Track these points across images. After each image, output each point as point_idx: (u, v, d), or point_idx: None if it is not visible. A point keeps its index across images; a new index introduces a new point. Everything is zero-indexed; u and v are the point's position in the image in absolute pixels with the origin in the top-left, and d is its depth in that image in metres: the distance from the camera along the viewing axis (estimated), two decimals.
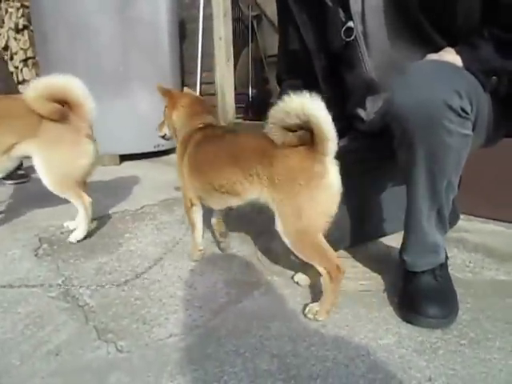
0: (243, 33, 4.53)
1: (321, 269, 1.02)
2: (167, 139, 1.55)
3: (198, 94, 3.57)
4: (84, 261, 1.38)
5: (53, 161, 1.46)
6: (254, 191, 1.09)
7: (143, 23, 2.95)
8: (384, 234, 1.45)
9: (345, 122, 1.34)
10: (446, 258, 1.09)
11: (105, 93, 2.90)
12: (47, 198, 1.74)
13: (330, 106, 1.34)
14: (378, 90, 1.18)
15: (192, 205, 1.33)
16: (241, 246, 1.50)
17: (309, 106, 0.93)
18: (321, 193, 1.01)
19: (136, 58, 2.94)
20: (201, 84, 3.62)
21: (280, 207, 1.04)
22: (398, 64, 1.00)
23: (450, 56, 0.90)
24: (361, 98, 1.25)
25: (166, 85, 3.33)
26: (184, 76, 3.65)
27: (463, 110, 0.83)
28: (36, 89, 1.44)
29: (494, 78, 0.90)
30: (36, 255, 1.41)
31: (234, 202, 1.21)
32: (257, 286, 1.20)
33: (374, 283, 1.20)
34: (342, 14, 1.08)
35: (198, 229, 1.38)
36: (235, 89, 3.78)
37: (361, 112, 1.25)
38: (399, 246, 1.10)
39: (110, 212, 1.90)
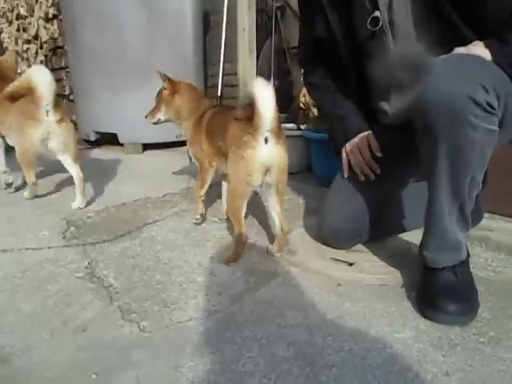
0: (266, 24, 4.50)
1: (235, 231, 1.29)
2: (158, 124, 1.70)
3: (220, 84, 3.61)
4: (108, 245, 1.43)
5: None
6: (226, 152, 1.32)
7: (168, 14, 2.97)
8: (404, 230, 1.45)
9: (367, 112, 1.34)
10: (468, 255, 1.07)
11: (129, 83, 2.96)
12: (73, 184, 1.81)
13: (351, 96, 1.34)
14: (402, 83, 1.16)
15: (211, 166, 1.52)
16: (259, 236, 1.52)
17: (255, 85, 1.12)
18: (243, 161, 1.19)
19: (160, 49, 2.98)
20: (223, 75, 3.64)
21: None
22: (425, 56, 0.99)
23: (479, 49, 0.88)
24: (385, 90, 1.23)
25: (188, 76, 3.36)
26: (207, 67, 3.67)
27: (489, 104, 0.81)
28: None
29: None
30: (64, 237, 1.48)
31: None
32: (274, 276, 1.22)
33: (392, 278, 1.20)
34: (368, 3, 1.07)
35: (205, 188, 1.60)
36: None
37: (384, 105, 1.24)
38: (419, 243, 1.09)
39: (132, 199, 1.95)
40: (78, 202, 1.82)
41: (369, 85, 1.28)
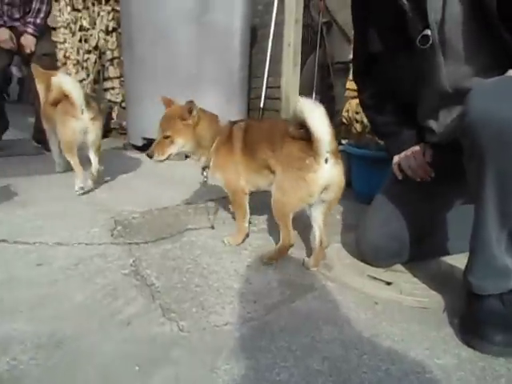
0: (311, 39, 4.55)
1: (282, 235, 1.35)
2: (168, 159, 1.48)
3: (263, 97, 3.69)
4: (151, 246, 1.50)
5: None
6: (274, 166, 1.33)
7: (218, 29, 3.10)
8: (448, 253, 1.40)
9: (414, 130, 1.32)
10: None
11: (177, 93, 3.08)
12: (120, 187, 1.92)
13: (401, 113, 1.33)
14: (452, 102, 1.14)
15: (245, 193, 1.49)
16: (296, 248, 1.53)
17: (305, 108, 1.16)
18: (305, 183, 1.23)
19: (209, 62, 3.11)
20: (266, 88, 3.72)
21: (276, 182, 1.32)
22: (475, 77, 0.97)
23: None
24: (433, 108, 1.22)
25: (234, 88, 3.46)
26: (251, 79, 3.77)
27: None
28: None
29: None
30: (112, 235, 1.57)
31: (270, 179, 1.40)
32: (310, 289, 1.23)
33: (433, 302, 1.16)
34: (419, 21, 1.07)
35: (247, 214, 1.54)
36: (300, 94, 3.82)
37: (432, 124, 1.22)
38: (463, 267, 1.05)
39: (174, 204, 2.03)
40: (79, 182, 2.12)
41: (418, 102, 1.27)
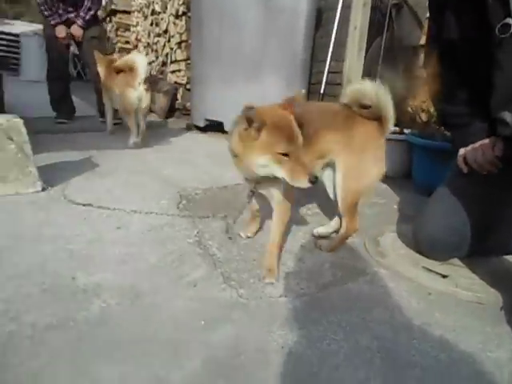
0: (378, 21, 4.35)
1: (347, 223, 1.36)
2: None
3: (324, 82, 3.64)
4: (213, 220, 1.62)
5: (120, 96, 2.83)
6: (336, 148, 1.31)
7: (284, 12, 3.10)
8: (510, 253, 1.34)
9: (486, 123, 1.26)
10: None
11: (241, 75, 3.19)
12: (184, 164, 2.06)
13: (474, 104, 1.27)
14: None
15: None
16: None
17: (380, 92, 1.24)
18: (380, 163, 1.30)
19: (273, 45, 3.13)
20: (328, 73, 3.66)
21: (345, 165, 1.30)
22: None
23: None
24: (508, 99, 1.16)
25: (296, 71, 3.45)
26: (313, 63, 3.73)
27: None
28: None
29: None
30: (178, 208, 1.72)
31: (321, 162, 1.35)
32: (362, 273, 1.26)
33: (491, 298, 1.14)
34: (501, 8, 1.02)
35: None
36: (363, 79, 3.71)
37: (506, 115, 1.16)
38: None
39: (233, 183, 2.14)
40: (133, 138, 2.83)
41: (492, 93, 1.21)
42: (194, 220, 1.60)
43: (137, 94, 2.72)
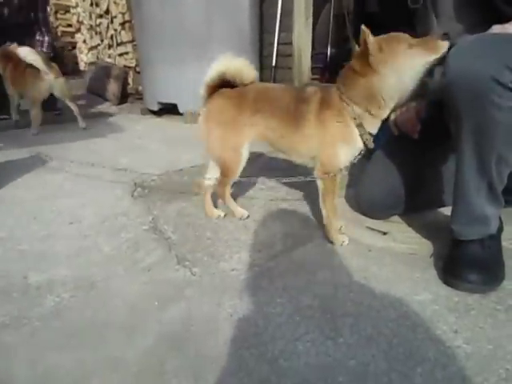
0: None
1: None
2: None
3: (275, 54, 3.63)
4: (168, 204, 1.65)
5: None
6: None
7: None
8: (443, 205, 1.47)
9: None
10: (500, 230, 1.10)
11: (189, 54, 3.13)
12: (139, 151, 2.05)
13: None
14: (443, 59, 1.16)
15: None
16: (301, 204, 1.64)
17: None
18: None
19: (217, 20, 3.08)
20: (278, 44, 3.65)
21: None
22: (466, 33, 0.99)
23: None
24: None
25: (244, 45, 3.41)
26: (263, 36, 3.70)
27: None
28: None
29: None
30: (132, 196, 1.73)
31: None
32: (310, 240, 1.35)
33: (423, 248, 1.26)
34: None
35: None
36: (314, 48, 3.71)
37: (428, 80, 1.25)
38: None
39: (189, 166, 2.16)
40: (34, 128, 2.91)
41: None
42: (149, 206, 1.63)
43: (46, 83, 2.81)
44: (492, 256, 1.05)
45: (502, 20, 0.92)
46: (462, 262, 1.05)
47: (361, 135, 1.17)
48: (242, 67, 1.31)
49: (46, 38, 3.39)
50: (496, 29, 0.90)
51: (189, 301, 1.02)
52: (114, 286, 1.08)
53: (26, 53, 2.76)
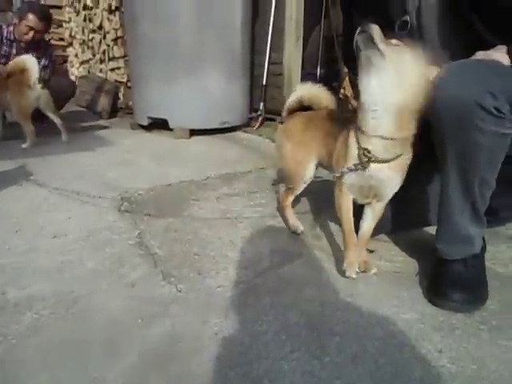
0: (316, 10, 4.47)
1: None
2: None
3: (265, 74, 3.70)
4: (155, 219, 1.64)
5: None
6: None
7: (218, 5, 3.11)
8: (429, 224, 1.49)
9: None
10: (483, 250, 1.12)
11: (180, 71, 3.16)
12: (128, 165, 2.04)
13: None
14: None
15: None
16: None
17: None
18: None
19: (209, 39, 3.13)
20: (269, 64, 3.73)
21: None
22: (450, 59, 1.03)
23: (499, 55, 0.92)
24: None
25: (235, 64, 3.46)
26: (254, 56, 3.77)
27: (497, 109, 0.86)
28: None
29: None
30: (119, 210, 1.71)
31: None
32: (298, 256, 1.35)
33: (409, 267, 1.27)
34: (399, 7, 1.13)
35: None
36: (304, 68, 3.81)
37: None
38: None
39: (178, 181, 2.15)
40: (29, 143, 2.80)
41: None
42: (136, 221, 1.61)
43: (35, 93, 2.73)
44: (476, 275, 1.07)
45: (486, 47, 0.96)
46: (446, 281, 1.06)
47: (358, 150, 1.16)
48: (320, 94, 1.47)
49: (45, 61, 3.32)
50: (480, 55, 0.94)
51: (174, 318, 1.00)
52: (97, 302, 1.05)
53: (26, 57, 2.72)
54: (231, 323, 0.99)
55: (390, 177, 1.11)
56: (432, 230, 1.48)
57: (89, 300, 1.06)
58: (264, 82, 3.72)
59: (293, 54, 3.58)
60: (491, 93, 0.85)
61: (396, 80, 0.97)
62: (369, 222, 1.25)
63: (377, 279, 1.20)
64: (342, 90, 2.40)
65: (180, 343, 0.91)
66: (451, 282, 1.05)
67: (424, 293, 1.12)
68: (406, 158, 1.10)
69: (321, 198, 1.85)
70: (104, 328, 0.96)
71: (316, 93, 1.47)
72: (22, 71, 2.66)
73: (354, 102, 2.34)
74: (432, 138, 1.02)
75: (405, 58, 0.97)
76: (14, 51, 3.15)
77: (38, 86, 2.74)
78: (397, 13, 1.14)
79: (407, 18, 1.11)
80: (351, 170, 1.13)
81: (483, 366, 0.85)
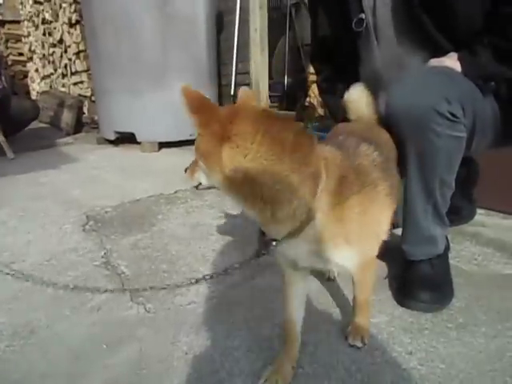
0: (281, 21, 4.56)
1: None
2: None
3: (233, 83, 3.72)
4: (122, 237, 1.58)
5: None
6: None
7: (182, 18, 3.10)
8: (398, 226, 1.52)
9: None
10: (447, 249, 1.15)
11: (145, 84, 3.12)
12: (94, 182, 1.97)
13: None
14: (387, 84, 1.23)
15: None
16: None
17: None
18: None
19: (174, 51, 3.12)
20: (236, 74, 3.76)
21: None
22: (403, 60, 1.07)
23: (451, 61, 0.96)
24: (373, 90, 1.31)
25: (202, 76, 3.44)
26: (220, 66, 3.79)
27: (452, 114, 0.89)
28: None
29: (492, 83, 0.95)
30: (84, 230, 1.64)
31: None
32: (269, 267, 1.34)
33: (378, 270, 1.29)
34: (355, 5, 1.15)
35: None
36: (271, 78, 3.86)
37: (375, 104, 1.32)
38: None
39: (146, 195, 2.10)
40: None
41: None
42: (102, 240, 1.55)
43: None
44: (441, 275, 1.09)
45: (438, 48, 1.00)
46: (413, 282, 1.08)
47: None
48: None
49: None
50: (433, 62, 0.98)
51: (141, 341, 0.96)
52: (58, 331, 0.99)
53: None
54: (202, 341, 0.96)
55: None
56: (400, 232, 1.52)
57: (49, 330, 1.00)
58: (232, 92, 3.74)
59: (259, 64, 3.62)
60: (446, 98, 0.88)
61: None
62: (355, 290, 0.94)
63: (346, 285, 1.20)
64: (308, 98, 2.43)
65: (146, 368, 0.87)
66: (417, 282, 1.07)
67: (393, 295, 1.13)
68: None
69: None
70: (65, 359, 0.90)
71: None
72: None
73: (320, 110, 2.38)
74: (395, 141, 1.04)
75: None
76: None
77: None
78: (354, 11, 1.16)
79: (363, 15, 1.14)
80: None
81: (452, 364, 0.86)
